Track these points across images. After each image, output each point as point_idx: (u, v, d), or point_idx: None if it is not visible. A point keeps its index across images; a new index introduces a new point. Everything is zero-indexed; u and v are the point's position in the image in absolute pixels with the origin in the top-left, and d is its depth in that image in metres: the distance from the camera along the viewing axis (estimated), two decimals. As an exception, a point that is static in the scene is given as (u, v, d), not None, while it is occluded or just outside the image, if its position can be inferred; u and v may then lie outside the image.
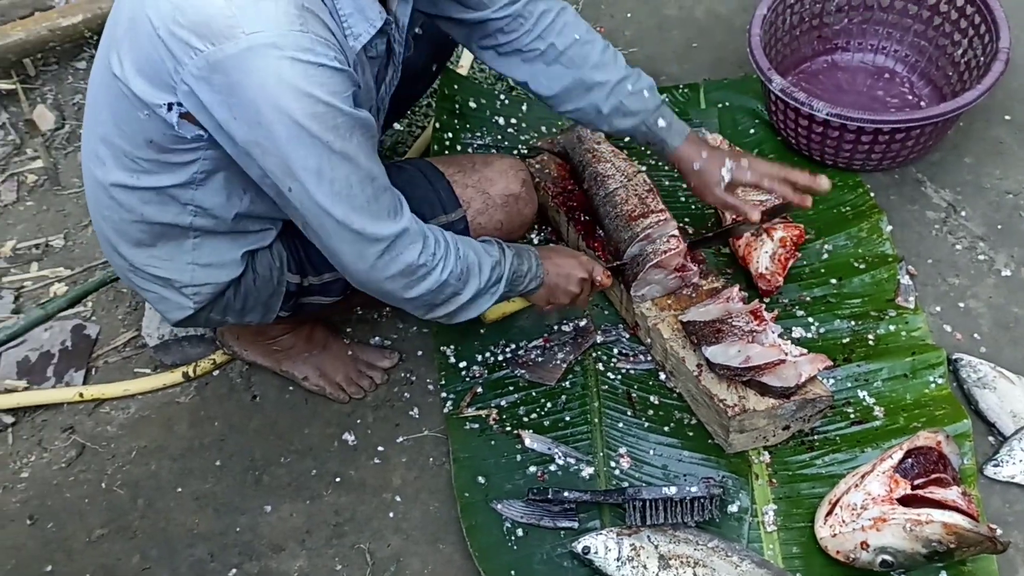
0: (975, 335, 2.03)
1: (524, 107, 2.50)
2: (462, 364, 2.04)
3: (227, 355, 2.10)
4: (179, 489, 1.95)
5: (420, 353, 2.10)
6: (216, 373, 2.11)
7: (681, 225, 2.06)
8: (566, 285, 1.80)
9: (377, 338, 2.13)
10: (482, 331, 2.07)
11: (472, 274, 1.61)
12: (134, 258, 1.67)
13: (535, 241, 2.23)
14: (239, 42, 1.30)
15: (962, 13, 2.29)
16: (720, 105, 2.48)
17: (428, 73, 2.19)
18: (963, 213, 2.23)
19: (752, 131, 2.42)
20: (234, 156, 1.44)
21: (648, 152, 2.37)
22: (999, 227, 2.20)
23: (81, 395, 2.07)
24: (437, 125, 2.42)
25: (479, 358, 2.05)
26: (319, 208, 1.42)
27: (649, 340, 2.00)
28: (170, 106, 1.41)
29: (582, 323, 2.07)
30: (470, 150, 2.39)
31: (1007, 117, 2.41)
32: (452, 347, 2.06)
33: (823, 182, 1.82)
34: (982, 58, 2.23)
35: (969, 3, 2.26)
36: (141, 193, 1.56)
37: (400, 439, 1.98)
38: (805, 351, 1.81)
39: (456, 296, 1.60)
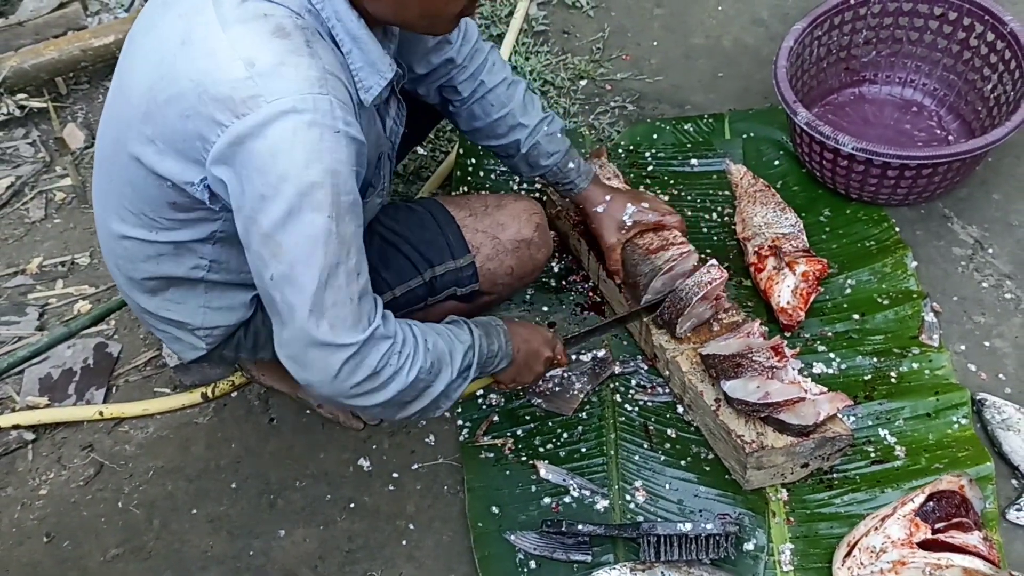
0: (1000, 375, 2.00)
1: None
2: (479, 392, 2.03)
3: (245, 377, 2.11)
4: (194, 511, 1.95)
5: (438, 380, 2.10)
6: (234, 394, 2.12)
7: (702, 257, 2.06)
8: (534, 363, 1.77)
9: (395, 363, 2.13)
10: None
11: (444, 364, 1.52)
12: (147, 304, 1.69)
13: (555, 270, 2.23)
14: (260, 111, 1.27)
15: (992, 48, 2.27)
16: (745, 136, 2.46)
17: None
18: (990, 250, 2.20)
19: (777, 162, 2.40)
20: (240, 235, 1.39)
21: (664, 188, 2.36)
22: (1027, 265, 2.17)
23: (101, 413, 2.09)
24: (460, 151, 2.43)
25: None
26: (298, 294, 1.33)
27: (667, 373, 1.99)
28: (202, 181, 1.40)
29: (600, 354, 2.06)
30: (492, 176, 2.40)
31: (1037, 153, 2.38)
32: (469, 375, 2.06)
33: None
34: (1012, 94, 2.20)
35: (999, 39, 2.24)
36: (158, 246, 1.56)
37: (415, 466, 1.97)
38: (825, 389, 1.79)
39: (428, 389, 1.51)
